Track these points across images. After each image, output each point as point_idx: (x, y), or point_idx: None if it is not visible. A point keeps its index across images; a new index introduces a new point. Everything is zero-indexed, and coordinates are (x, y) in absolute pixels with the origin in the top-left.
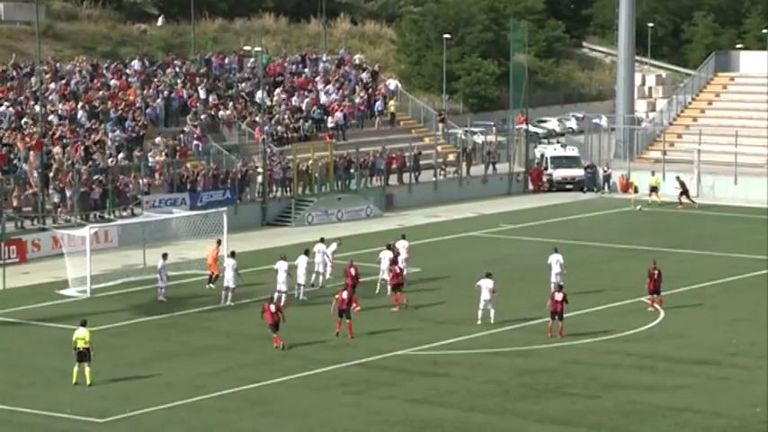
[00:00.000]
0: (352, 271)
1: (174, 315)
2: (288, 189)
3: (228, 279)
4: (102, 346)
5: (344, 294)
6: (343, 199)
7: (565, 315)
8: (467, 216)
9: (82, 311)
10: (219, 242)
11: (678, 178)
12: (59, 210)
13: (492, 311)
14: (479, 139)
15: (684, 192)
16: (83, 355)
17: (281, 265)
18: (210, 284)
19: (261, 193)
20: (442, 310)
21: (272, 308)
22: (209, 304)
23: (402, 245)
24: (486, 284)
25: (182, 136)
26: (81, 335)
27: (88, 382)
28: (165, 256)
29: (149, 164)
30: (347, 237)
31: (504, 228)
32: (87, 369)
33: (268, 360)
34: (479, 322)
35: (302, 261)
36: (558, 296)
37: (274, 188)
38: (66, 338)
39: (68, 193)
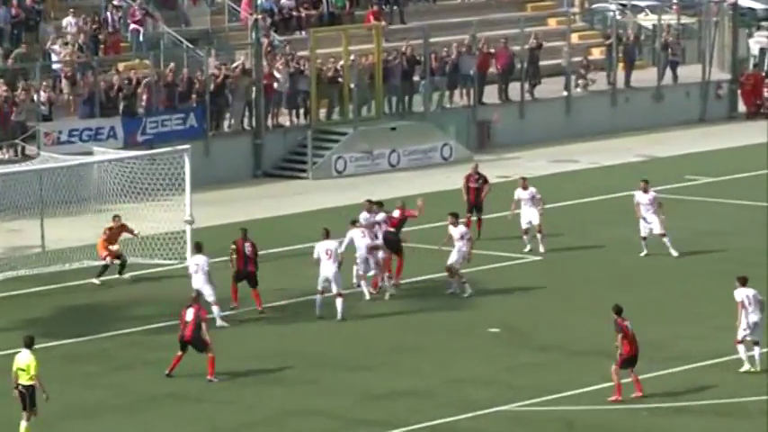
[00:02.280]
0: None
1: (97, 338)
2: (300, 112)
3: (202, 287)
4: None
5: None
6: (400, 129)
7: None
8: (626, 161)
9: None
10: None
11: None
12: None
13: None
14: (648, 21)
15: None
16: (25, 399)
17: (326, 248)
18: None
19: (251, 120)
20: (580, 332)
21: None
22: (160, 317)
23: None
24: (748, 296)
25: (109, 14)
26: (23, 362)
27: None
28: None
29: (51, 65)
30: (408, 198)
31: (695, 182)
32: (24, 424)
33: (268, 417)
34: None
35: (357, 238)
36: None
37: (275, 110)
38: None
39: None
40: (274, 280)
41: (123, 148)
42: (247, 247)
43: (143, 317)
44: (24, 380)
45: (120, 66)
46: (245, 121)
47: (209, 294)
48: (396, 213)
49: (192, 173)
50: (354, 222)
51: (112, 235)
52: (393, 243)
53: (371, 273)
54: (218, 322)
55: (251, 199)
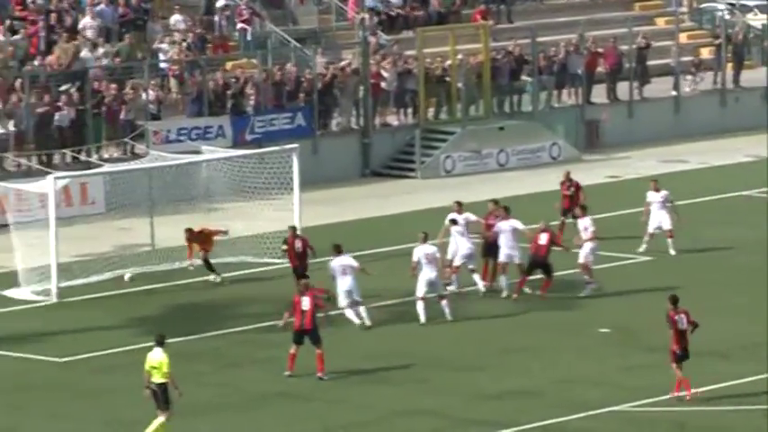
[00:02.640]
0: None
1: (207, 336)
2: (408, 111)
3: (353, 288)
4: (83, 389)
5: None
6: (508, 128)
7: None
8: (736, 161)
9: (48, 327)
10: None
11: None
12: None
13: None
14: (757, 20)
15: None
16: (158, 398)
17: (426, 252)
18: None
19: (359, 119)
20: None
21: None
22: (271, 315)
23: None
24: None
25: (217, 17)
26: (156, 361)
27: None
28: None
29: (159, 64)
30: (510, 199)
31: None
32: (158, 420)
33: (378, 417)
34: None
35: (457, 236)
36: None
37: (382, 109)
38: (27, 376)
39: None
40: (383, 279)
41: (232, 147)
42: (297, 244)
43: (253, 315)
44: (157, 378)
45: (228, 65)
46: (353, 120)
47: (357, 295)
48: (543, 240)
49: (301, 172)
50: (455, 222)
51: (199, 240)
52: (545, 265)
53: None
54: (367, 322)
55: (359, 198)
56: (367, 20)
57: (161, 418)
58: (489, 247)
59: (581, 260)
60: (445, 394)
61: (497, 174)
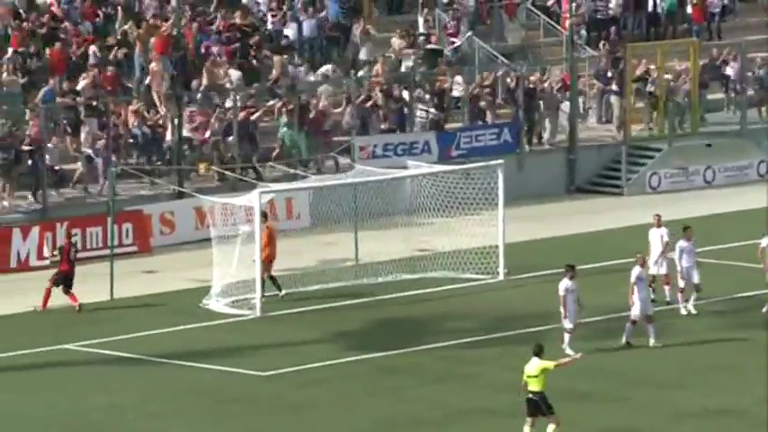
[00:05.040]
0: None
1: (409, 351)
2: (613, 127)
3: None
4: (286, 403)
5: None
6: (716, 145)
7: None
8: None
9: (251, 341)
10: None
11: None
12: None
13: None
14: None
15: None
16: (536, 406)
17: (639, 274)
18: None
19: (568, 135)
20: None
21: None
22: (473, 331)
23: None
24: None
25: (422, 17)
26: (534, 370)
27: None
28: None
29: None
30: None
31: None
32: (552, 427)
33: None
34: None
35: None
36: None
37: (585, 123)
38: (231, 390)
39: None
40: (588, 296)
41: (437, 163)
42: None
43: (456, 330)
44: (534, 387)
45: (441, 77)
46: (556, 135)
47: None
48: None
49: (505, 188)
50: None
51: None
52: None
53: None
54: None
55: (564, 214)
56: (575, 36)
57: (552, 426)
58: None
59: None
60: (647, 413)
61: (704, 191)
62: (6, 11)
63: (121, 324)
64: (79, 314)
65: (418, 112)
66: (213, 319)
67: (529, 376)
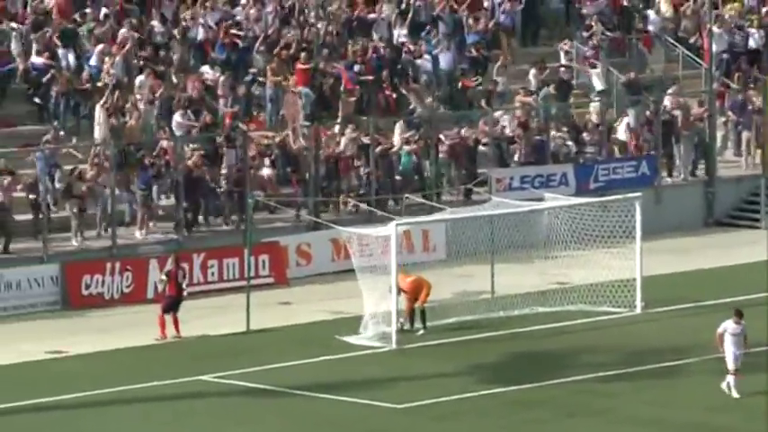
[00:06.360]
0: None
1: (544, 385)
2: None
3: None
4: None
5: None
6: None
7: None
8: None
9: (387, 374)
10: None
11: None
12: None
13: None
14: None
15: None
16: None
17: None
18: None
19: (707, 167)
20: None
21: None
22: (609, 365)
23: None
24: None
25: (562, 47)
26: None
27: None
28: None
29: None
30: None
31: None
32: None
33: None
34: None
35: None
36: None
37: (722, 156)
38: (367, 422)
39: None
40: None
41: (575, 195)
42: None
43: (591, 364)
44: None
45: (575, 111)
46: (694, 168)
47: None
48: None
49: (643, 221)
50: None
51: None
52: None
53: None
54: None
55: (702, 248)
56: (714, 69)
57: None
58: None
59: None
60: None
61: None
62: None
63: (257, 355)
64: (216, 345)
65: (553, 144)
66: (349, 351)
67: None
